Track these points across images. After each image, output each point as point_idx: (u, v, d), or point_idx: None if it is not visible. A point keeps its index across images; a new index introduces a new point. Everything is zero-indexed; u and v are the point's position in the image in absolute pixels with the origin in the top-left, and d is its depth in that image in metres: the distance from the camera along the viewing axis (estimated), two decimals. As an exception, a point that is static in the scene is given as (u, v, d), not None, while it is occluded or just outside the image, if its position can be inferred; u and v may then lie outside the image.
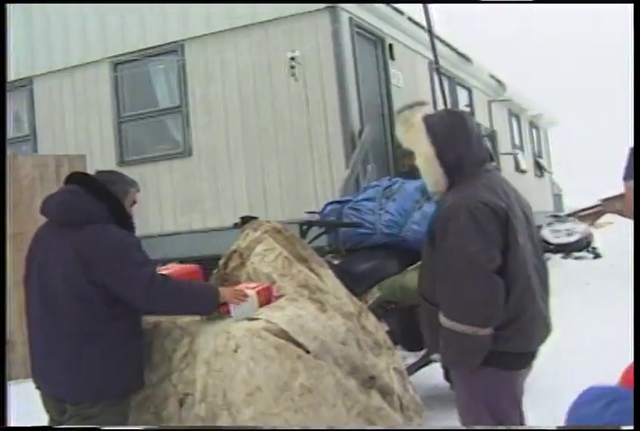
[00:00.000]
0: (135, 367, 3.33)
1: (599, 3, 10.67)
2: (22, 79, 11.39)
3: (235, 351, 3.22)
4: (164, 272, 3.52)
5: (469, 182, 2.82)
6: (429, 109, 3.03)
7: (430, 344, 3.12)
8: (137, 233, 3.47)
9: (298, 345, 3.31)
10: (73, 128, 10.98)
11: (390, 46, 10.84)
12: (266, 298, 3.63)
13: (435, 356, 4.40)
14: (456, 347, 2.75)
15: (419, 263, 4.75)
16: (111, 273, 3.13)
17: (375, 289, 4.50)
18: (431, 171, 2.87)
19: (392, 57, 10.86)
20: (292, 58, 8.86)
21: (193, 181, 9.93)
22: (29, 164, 6.63)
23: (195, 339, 3.36)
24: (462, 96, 14.25)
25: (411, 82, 11.53)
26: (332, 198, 8.91)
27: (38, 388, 3.40)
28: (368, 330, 3.75)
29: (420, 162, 2.90)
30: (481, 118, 14.67)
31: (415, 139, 2.87)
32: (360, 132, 9.14)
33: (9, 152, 6.58)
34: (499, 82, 16.32)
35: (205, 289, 3.46)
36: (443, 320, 2.75)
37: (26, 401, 5.42)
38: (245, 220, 4.20)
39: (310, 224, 4.64)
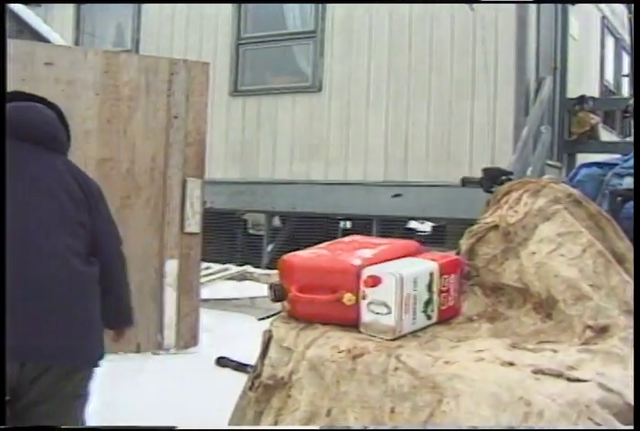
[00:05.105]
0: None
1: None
2: (132, -14, 9.88)
3: (543, 445, 1.53)
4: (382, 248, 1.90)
5: None
6: None
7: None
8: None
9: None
10: (182, 47, 9.32)
11: (572, -12, 8.95)
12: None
13: None
14: None
15: None
16: (102, 215, 2.52)
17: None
18: None
19: (572, 2, 8.94)
20: (471, -18, 7.02)
21: (319, 123, 8.18)
22: (133, 66, 4.93)
23: (445, 400, 1.66)
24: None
25: (584, 36, 9.60)
26: (490, 162, 7.17)
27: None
28: None
29: None
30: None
31: None
32: (539, 84, 7.30)
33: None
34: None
35: None
36: None
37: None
38: (492, 174, 2.48)
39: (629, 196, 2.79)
